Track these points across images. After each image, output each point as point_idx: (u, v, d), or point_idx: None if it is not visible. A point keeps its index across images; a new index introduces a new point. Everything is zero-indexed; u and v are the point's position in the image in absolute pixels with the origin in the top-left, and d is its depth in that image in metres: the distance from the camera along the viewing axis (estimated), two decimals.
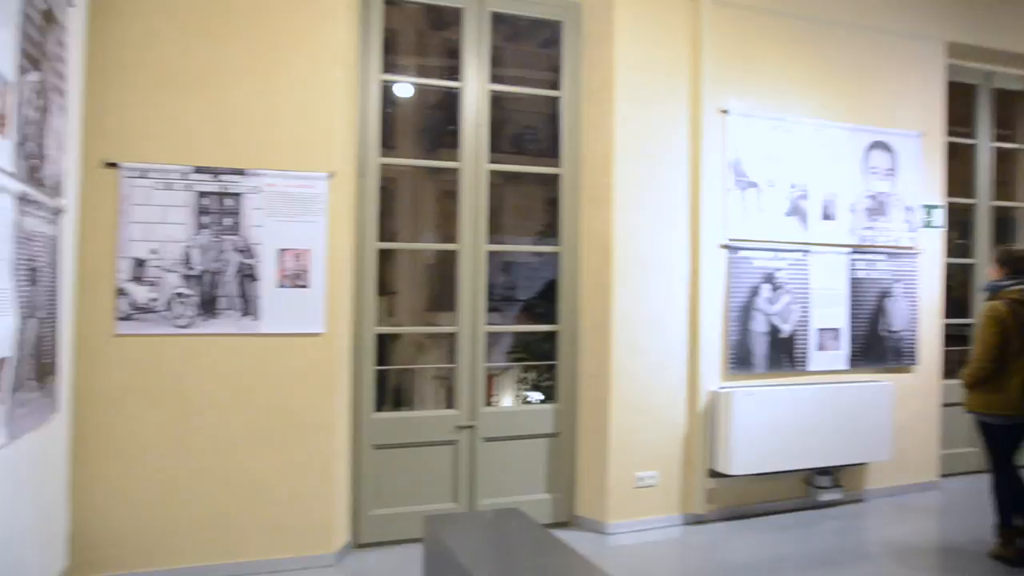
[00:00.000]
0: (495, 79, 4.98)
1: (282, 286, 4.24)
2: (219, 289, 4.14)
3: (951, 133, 6.35)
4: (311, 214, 4.29)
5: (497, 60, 5.08)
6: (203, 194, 4.11)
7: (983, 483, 4.71)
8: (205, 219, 4.11)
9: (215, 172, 4.13)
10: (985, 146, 6.68)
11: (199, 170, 4.10)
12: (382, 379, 5.57)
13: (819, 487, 5.50)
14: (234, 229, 4.17)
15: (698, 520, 5.15)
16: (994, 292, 4.52)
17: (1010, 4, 6.43)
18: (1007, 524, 4.55)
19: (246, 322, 4.18)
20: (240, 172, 4.17)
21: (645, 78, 5.05)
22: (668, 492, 5.11)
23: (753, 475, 5.18)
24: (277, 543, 4.26)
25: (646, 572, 4.41)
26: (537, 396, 12.12)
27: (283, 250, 4.25)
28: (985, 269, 6.20)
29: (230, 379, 4.18)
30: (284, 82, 4.28)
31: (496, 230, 5.22)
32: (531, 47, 10.64)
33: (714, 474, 5.17)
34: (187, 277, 4.09)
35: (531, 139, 12.72)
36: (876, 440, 5.52)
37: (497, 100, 5.05)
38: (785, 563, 4.50)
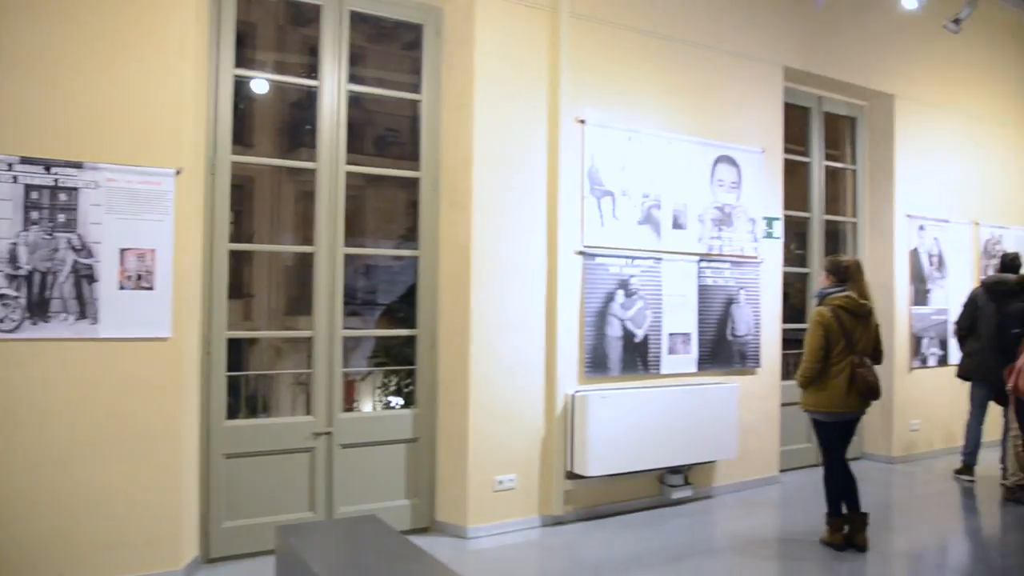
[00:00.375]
0: (356, 79, 4.90)
1: (124, 288, 3.98)
2: (51, 291, 3.83)
3: (789, 151, 6.82)
4: (157, 212, 4.05)
5: (360, 60, 5.03)
6: (32, 187, 3.79)
7: (818, 476, 5.05)
8: (35, 214, 3.80)
9: (47, 164, 3.82)
10: (818, 164, 7.21)
11: (27, 161, 3.79)
12: (237, 385, 5.35)
13: (671, 485, 5.73)
14: (70, 226, 3.87)
15: (557, 521, 5.24)
16: (822, 299, 4.87)
17: (838, 36, 6.99)
18: (835, 513, 4.91)
19: (82, 326, 3.89)
20: (77, 165, 3.89)
21: (505, 85, 5.11)
22: (527, 494, 5.18)
23: (609, 476, 5.32)
24: (118, 561, 3.98)
25: (505, 575, 4.44)
26: (399, 401, 12.00)
27: (125, 250, 3.99)
28: (818, 277, 6.67)
29: (63, 388, 3.87)
30: (128, 71, 4.01)
31: (359, 233, 5.14)
32: (396, 49, 10.54)
33: (571, 476, 5.28)
34: (12, 277, 3.76)
35: (395, 141, 12.60)
36: (723, 439, 5.81)
37: (360, 101, 4.98)
38: (638, 560, 4.65)
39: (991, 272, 7.39)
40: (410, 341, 5.24)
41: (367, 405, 12.84)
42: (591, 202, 5.36)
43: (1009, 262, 6.55)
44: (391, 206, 12.05)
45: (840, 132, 7.70)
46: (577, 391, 5.27)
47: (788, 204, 6.78)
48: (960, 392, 6.85)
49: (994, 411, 6.56)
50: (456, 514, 5.01)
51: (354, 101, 4.90)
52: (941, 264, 7.74)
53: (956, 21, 6.15)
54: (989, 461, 6.79)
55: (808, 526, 5.22)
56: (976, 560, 5.07)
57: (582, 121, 5.34)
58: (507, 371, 5.09)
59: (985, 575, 4.75)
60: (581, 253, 5.33)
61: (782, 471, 6.61)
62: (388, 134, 13.11)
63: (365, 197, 12.85)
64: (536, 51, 5.24)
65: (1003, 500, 6.09)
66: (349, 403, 11.10)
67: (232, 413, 4.65)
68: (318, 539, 3.41)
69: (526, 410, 5.17)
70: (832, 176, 7.58)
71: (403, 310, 11.30)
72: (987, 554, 5.17)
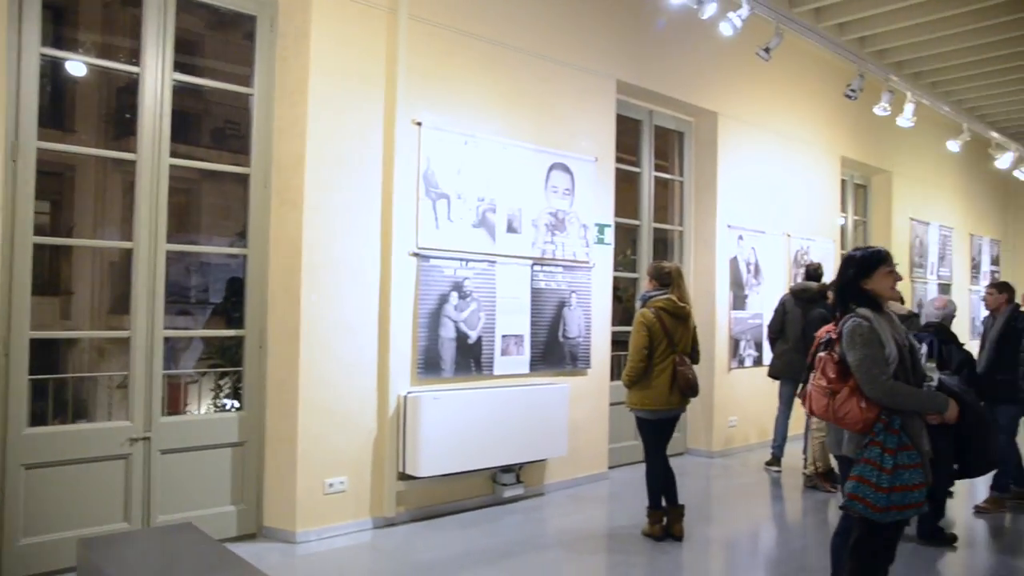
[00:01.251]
0: (186, 68, 4.67)
1: None
2: None
3: (621, 161, 7.12)
4: None
5: (193, 48, 4.80)
6: None
7: (644, 472, 5.27)
8: None
9: None
10: (648, 174, 7.58)
11: None
12: (44, 389, 4.97)
13: (503, 484, 5.84)
14: None
15: (388, 523, 5.22)
16: (645, 302, 5.14)
17: (668, 55, 7.38)
18: (655, 506, 5.18)
19: None
20: None
21: (341, 83, 5.05)
22: (358, 497, 5.12)
23: (441, 476, 5.36)
24: None
25: None
26: (236, 404, 11.51)
27: None
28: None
29: None
30: None
31: (192, 229, 4.90)
32: (235, 38, 10.12)
33: (404, 476, 5.28)
34: None
35: (234, 135, 12.09)
36: (554, 438, 5.99)
37: (200, 92, 4.76)
38: (469, 558, 4.71)
39: (799, 280, 8.04)
40: (242, 342, 5.06)
41: (200, 408, 12.25)
42: (427, 204, 5.38)
43: (812, 271, 7.14)
44: (228, 202, 11.54)
45: (669, 145, 8.14)
46: (410, 392, 5.27)
47: (620, 212, 7.08)
48: (772, 390, 7.39)
49: (799, 407, 7.11)
50: (285, 519, 4.89)
51: (192, 92, 4.69)
52: (758, 272, 8.33)
53: (767, 49, 6.65)
54: (795, 452, 7.38)
55: (633, 519, 5.47)
56: (779, 542, 5.51)
57: (419, 123, 5.35)
58: (339, 372, 5.02)
59: (787, 555, 5.16)
60: (416, 255, 5.34)
61: (611, 468, 6.89)
62: (227, 127, 12.57)
63: (200, 192, 12.28)
64: (373, 51, 5.21)
65: (804, 487, 6.65)
66: (178, 407, 10.57)
67: (39, 420, 4.31)
68: (125, 551, 3.24)
69: (358, 411, 5.12)
70: (662, 186, 7.99)
71: (237, 310, 10.85)
72: (789, 536, 5.63)
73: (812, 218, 9.28)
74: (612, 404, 6.74)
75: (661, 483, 5.16)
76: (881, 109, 8.11)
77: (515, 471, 5.91)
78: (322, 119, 4.94)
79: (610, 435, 6.86)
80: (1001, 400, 5.91)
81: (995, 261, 15.01)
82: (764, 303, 8.24)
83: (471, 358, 5.66)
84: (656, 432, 5.14)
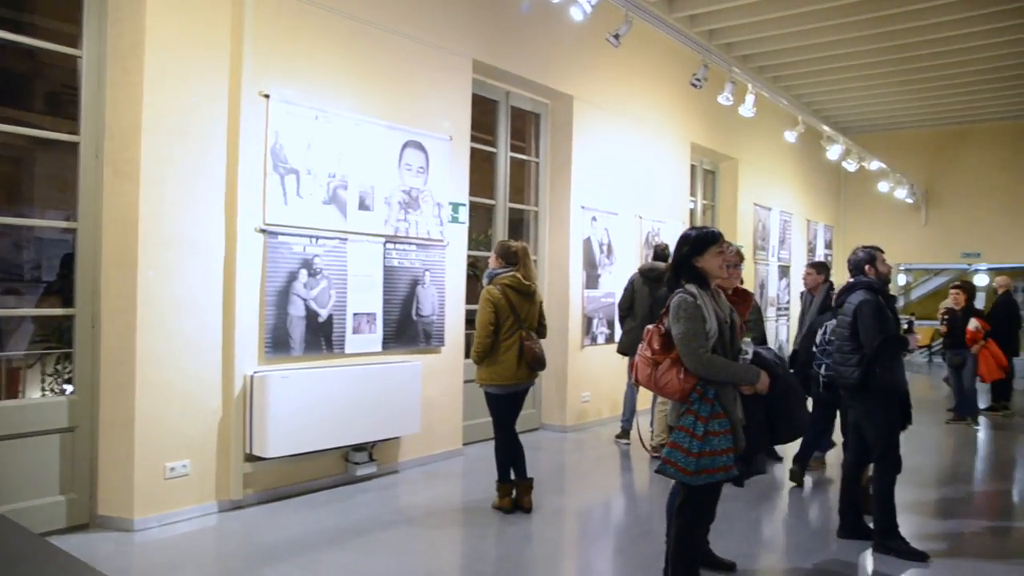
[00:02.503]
0: (9, 24, 4.32)
1: None
2: None
3: (477, 141, 7.18)
4: None
5: (20, 2, 4.41)
6: None
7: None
8: None
9: None
10: (504, 155, 7.68)
11: None
12: None
13: (356, 463, 5.82)
14: None
15: (235, 506, 5.10)
16: (491, 279, 5.23)
17: (526, 37, 7.49)
18: (505, 479, 5.30)
19: None
20: None
21: (181, 49, 4.81)
22: (202, 480, 4.97)
23: (291, 456, 5.28)
24: None
25: (176, 566, 4.21)
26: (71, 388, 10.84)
27: None
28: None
29: None
30: None
31: (23, 201, 4.55)
32: None
33: (251, 458, 5.17)
34: None
35: (70, 100, 11.28)
36: (407, 416, 6.02)
37: (33, 53, 4.38)
38: (318, 538, 4.67)
39: (649, 260, 8.39)
40: (73, 321, 4.78)
41: (36, 393, 11.46)
42: (275, 179, 5.24)
43: (660, 252, 7.47)
44: (64, 173, 10.78)
45: (526, 126, 8.27)
46: (257, 371, 5.15)
47: (476, 191, 7.15)
48: (622, 366, 7.68)
49: None
50: (121, 506, 4.68)
51: (22, 51, 4.32)
52: (610, 252, 8.63)
53: (616, 36, 6.85)
54: (644, 425, 7.71)
55: (485, 494, 5.58)
56: (625, 510, 5.78)
57: (266, 95, 5.19)
58: (181, 352, 4.84)
59: (632, 521, 5.43)
60: (263, 231, 5.20)
61: (465, 444, 6.99)
62: (64, 92, 11.71)
63: (32, 161, 11.40)
64: (218, 17, 5.00)
65: (650, 458, 6.98)
66: (16, 392, 9.84)
67: None
68: None
69: (202, 392, 4.96)
70: (518, 167, 8.11)
71: (72, 288, 10.20)
72: (634, 503, 5.92)
73: (663, 201, 9.69)
74: (467, 381, 6.83)
75: (510, 457, 5.28)
76: (724, 99, 8.55)
77: (368, 449, 5.90)
78: (160, 86, 4.70)
79: (465, 412, 6.95)
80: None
81: (828, 245, 16.19)
82: (617, 283, 8.54)
83: (322, 336, 5.58)
84: (505, 406, 5.26)
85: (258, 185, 5.18)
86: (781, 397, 3.41)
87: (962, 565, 4.54)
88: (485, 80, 7.33)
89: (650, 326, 3.41)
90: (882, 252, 4.99)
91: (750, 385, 3.32)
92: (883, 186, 14.45)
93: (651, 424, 7.21)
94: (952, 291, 9.47)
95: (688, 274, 3.39)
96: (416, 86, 6.35)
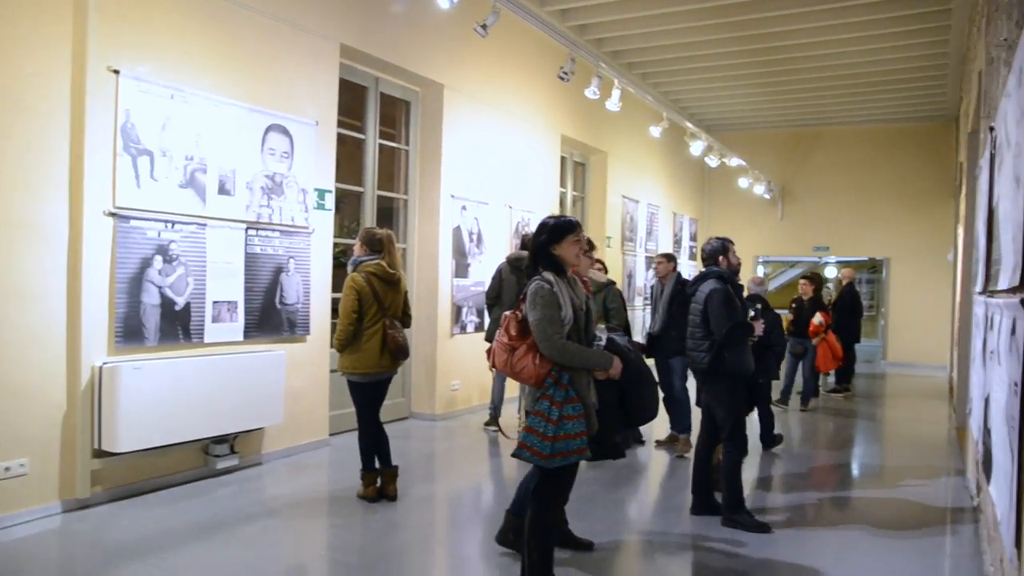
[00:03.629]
0: None
1: None
2: None
3: (346, 126, 7.07)
4: None
5: None
6: None
7: None
8: None
9: None
10: (373, 142, 7.60)
11: None
12: None
13: (216, 455, 5.64)
14: None
15: (82, 505, 4.84)
16: (356, 266, 5.18)
17: (396, 23, 7.41)
18: (369, 468, 5.28)
19: None
20: None
21: (18, 18, 4.46)
22: (44, 479, 4.68)
23: (145, 450, 5.06)
24: None
25: (12, 572, 3.95)
26: None
27: None
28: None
29: None
30: None
31: None
32: None
33: (101, 453, 4.91)
34: None
35: None
36: (270, 406, 5.88)
37: None
38: (175, 534, 4.50)
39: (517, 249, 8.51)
40: None
41: None
42: (126, 160, 4.98)
43: (528, 241, 7.58)
44: None
45: (396, 113, 8.20)
46: (106, 363, 4.89)
47: (344, 178, 7.03)
48: None
49: None
50: None
51: None
52: (480, 241, 8.70)
53: (484, 26, 6.89)
54: (512, 412, 7.85)
55: (350, 484, 5.52)
56: (490, 496, 5.84)
57: (116, 71, 4.91)
58: (16, 344, 4.52)
59: (496, 506, 5.47)
60: (113, 214, 4.93)
61: (333, 434, 6.90)
62: None
63: None
64: None
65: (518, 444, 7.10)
66: None
67: None
68: None
69: (43, 385, 4.67)
70: (388, 154, 8.04)
71: None
72: (499, 489, 5.99)
73: (533, 191, 9.85)
74: (333, 371, 6.71)
75: (374, 445, 5.27)
76: (591, 92, 8.75)
77: (229, 442, 5.72)
78: None
79: (333, 402, 6.85)
80: (674, 353, 6.78)
81: (694, 237, 16.92)
82: (486, 271, 8.60)
83: (179, 325, 5.36)
84: (367, 395, 5.23)
85: (107, 166, 4.90)
86: (633, 382, 3.55)
87: (800, 534, 4.88)
88: (354, 65, 7.22)
89: (507, 312, 3.47)
90: (733, 244, 5.27)
91: (603, 370, 3.44)
92: (743, 182, 15.21)
93: (519, 411, 7.33)
94: (801, 282, 10.06)
95: (545, 262, 3.47)
96: (281, 69, 6.18)
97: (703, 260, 5.29)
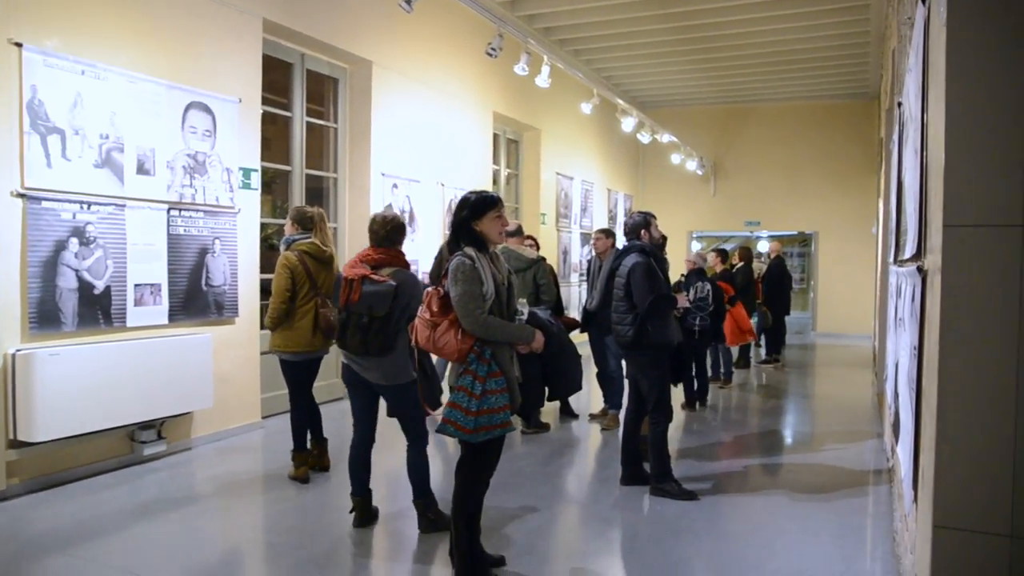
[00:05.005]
0: None
1: None
2: None
3: (271, 104, 6.91)
4: None
5: None
6: None
7: None
8: None
9: None
10: (300, 119, 7.46)
11: None
12: None
13: (143, 442, 5.53)
14: None
15: None
16: (288, 245, 5.12)
17: None
18: (300, 448, 5.25)
19: None
20: None
21: None
22: None
23: (66, 439, 4.93)
24: None
25: None
26: None
27: None
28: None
29: None
30: None
31: None
32: None
33: (17, 443, 4.76)
34: None
35: None
36: (198, 390, 5.78)
37: None
38: (100, 523, 4.40)
39: None
40: None
41: None
42: (34, 139, 4.78)
43: None
44: None
45: (324, 90, 8.06)
46: (19, 350, 4.73)
47: (270, 157, 6.90)
48: None
49: None
50: None
51: None
52: (412, 220, 8.64)
53: (408, 1, 6.79)
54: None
55: (282, 465, 5.48)
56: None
57: (18, 44, 4.70)
58: None
59: (434, 484, 5.49)
60: (22, 195, 4.74)
61: (265, 417, 6.81)
62: None
63: None
64: None
65: None
66: None
67: None
68: None
69: None
70: (316, 132, 7.91)
71: None
72: (442, 467, 6.00)
73: (466, 169, 9.81)
74: (264, 353, 6.62)
75: (306, 423, 5.25)
76: (520, 69, 8.72)
77: (157, 427, 5.61)
78: None
79: (265, 384, 6.76)
80: (610, 330, 6.83)
81: (628, 213, 17.08)
82: (420, 250, 8.58)
83: (98, 310, 5.21)
84: (299, 374, 5.20)
85: (13, 144, 4.70)
86: (556, 355, 3.60)
87: (726, 500, 5.03)
88: (279, 42, 7.06)
89: (429, 289, 3.47)
90: (655, 218, 5.35)
91: (526, 344, 3.47)
92: (675, 158, 15.41)
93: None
94: (709, 255, 9.79)
95: (467, 237, 3.48)
96: (201, 44, 6.00)
97: (625, 234, 5.36)
